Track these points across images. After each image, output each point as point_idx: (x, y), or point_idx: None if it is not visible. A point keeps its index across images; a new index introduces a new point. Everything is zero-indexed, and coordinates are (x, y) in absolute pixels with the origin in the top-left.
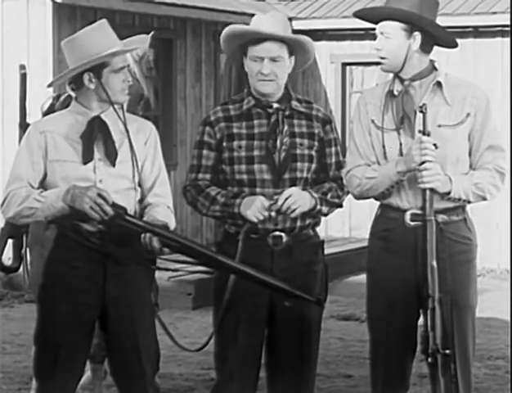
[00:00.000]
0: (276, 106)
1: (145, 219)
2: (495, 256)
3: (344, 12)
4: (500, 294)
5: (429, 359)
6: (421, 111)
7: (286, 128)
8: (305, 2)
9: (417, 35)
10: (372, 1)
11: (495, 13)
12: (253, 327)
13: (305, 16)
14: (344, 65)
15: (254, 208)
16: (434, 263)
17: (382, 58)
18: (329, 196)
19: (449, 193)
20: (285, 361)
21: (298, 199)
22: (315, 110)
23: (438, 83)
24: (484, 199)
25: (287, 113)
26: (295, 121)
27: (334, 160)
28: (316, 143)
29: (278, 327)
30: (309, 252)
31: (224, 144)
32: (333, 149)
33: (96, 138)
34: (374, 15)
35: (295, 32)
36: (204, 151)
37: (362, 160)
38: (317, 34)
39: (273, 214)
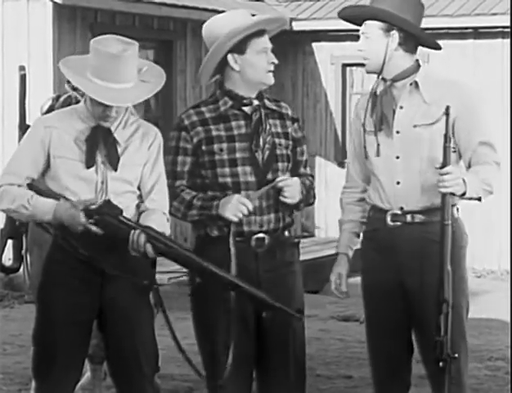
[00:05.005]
0: (256, 102)
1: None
2: (495, 258)
3: None
4: (500, 295)
5: (441, 364)
6: (447, 114)
7: (269, 126)
8: (305, 2)
9: (394, 34)
10: None
11: (495, 14)
12: (245, 339)
13: (305, 17)
14: (344, 66)
15: (232, 207)
16: (449, 267)
17: (364, 59)
18: (311, 193)
19: (464, 194)
20: (274, 366)
21: (295, 188)
22: (284, 108)
23: (415, 83)
24: (491, 193)
25: (264, 112)
26: (271, 121)
27: (304, 157)
28: (290, 143)
29: (264, 333)
30: (289, 253)
31: (203, 148)
32: (303, 147)
33: (98, 145)
34: (355, 16)
35: (295, 32)
36: (180, 158)
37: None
38: (318, 35)
39: (251, 207)
